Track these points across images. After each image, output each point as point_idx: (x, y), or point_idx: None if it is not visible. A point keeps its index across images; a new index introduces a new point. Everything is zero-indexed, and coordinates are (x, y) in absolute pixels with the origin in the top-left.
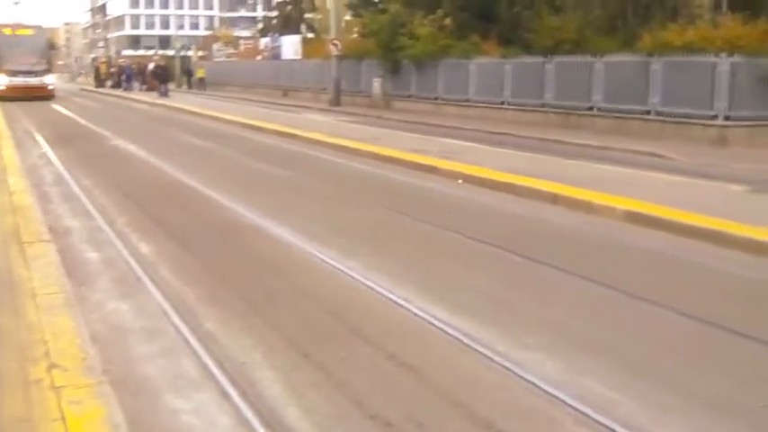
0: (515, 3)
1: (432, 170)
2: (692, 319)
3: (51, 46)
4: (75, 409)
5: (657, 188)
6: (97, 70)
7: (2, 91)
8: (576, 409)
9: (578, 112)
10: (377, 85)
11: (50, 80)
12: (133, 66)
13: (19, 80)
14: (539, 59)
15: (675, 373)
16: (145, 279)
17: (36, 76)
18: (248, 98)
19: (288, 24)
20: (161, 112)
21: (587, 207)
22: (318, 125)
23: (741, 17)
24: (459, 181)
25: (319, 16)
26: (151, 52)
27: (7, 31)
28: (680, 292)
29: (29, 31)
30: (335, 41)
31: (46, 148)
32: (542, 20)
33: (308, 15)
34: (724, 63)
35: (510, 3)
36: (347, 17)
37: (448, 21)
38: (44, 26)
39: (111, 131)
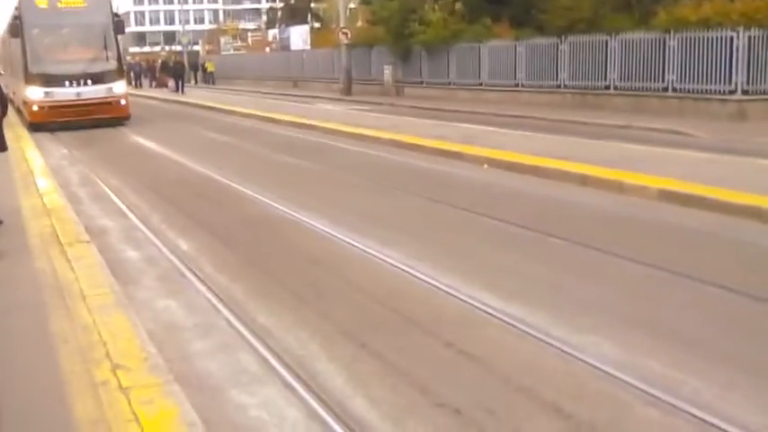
0: None
1: (456, 156)
2: (738, 295)
3: (119, 28)
4: (148, 408)
5: (685, 165)
6: None
7: (33, 114)
8: (641, 390)
9: (595, 91)
10: (388, 72)
11: (121, 89)
12: (142, 62)
13: (63, 93)
14: (552, 40)
15: (732, 349)
16: (189, 275)
17: (95, 84)
18: (259, 90)
19: (294, 15)
20: (175, 108)
21: (618, 187)
22: (333, 115)
23: None
24: (485, 166)
25: (325, 5)
26: (157, 48)
27: (43, 2)
28: (722, 269)
29: (81, 2)
30: (345, 30)
31: (68, 149)
32: (555, 0)
33: (313, 5)
34: (741, 37)
35: None
36: (353, 4)
37: (459, 5)
38: None
39: (129, 128)
